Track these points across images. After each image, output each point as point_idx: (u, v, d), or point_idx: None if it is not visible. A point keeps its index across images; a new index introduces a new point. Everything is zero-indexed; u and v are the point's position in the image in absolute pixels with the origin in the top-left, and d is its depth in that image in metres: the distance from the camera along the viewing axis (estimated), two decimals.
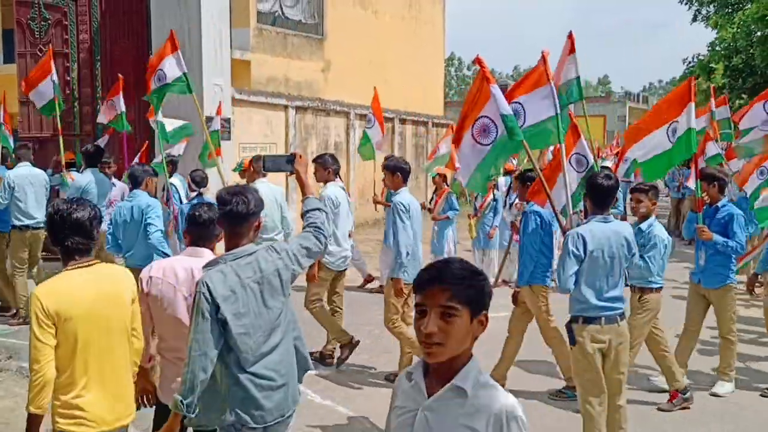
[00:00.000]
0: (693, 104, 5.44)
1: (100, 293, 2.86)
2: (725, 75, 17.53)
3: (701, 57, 19.99)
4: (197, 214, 3.33)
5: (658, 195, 5.51)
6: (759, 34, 17.72)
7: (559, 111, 4.96)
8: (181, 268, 3.29)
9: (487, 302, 1.88)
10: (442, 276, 1.83)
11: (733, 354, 5.74)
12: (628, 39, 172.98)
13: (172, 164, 8.38)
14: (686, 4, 20.40)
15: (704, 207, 5.64)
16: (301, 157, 3.33)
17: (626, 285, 4.62)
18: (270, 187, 6.64)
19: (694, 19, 20.52)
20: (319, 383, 5.91)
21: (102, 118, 8.95)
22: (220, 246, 3.20)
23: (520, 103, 4.95)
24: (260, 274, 2.92)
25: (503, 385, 5.68)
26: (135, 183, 5.98)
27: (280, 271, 2.97)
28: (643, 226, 5.18)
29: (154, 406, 3.62)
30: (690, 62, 20.59)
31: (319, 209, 3.23)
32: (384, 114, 16.89)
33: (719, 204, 5.65)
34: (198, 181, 7.47)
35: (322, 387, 5.83)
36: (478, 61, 5.02)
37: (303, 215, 3.25)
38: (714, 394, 5.62)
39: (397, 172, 5.71)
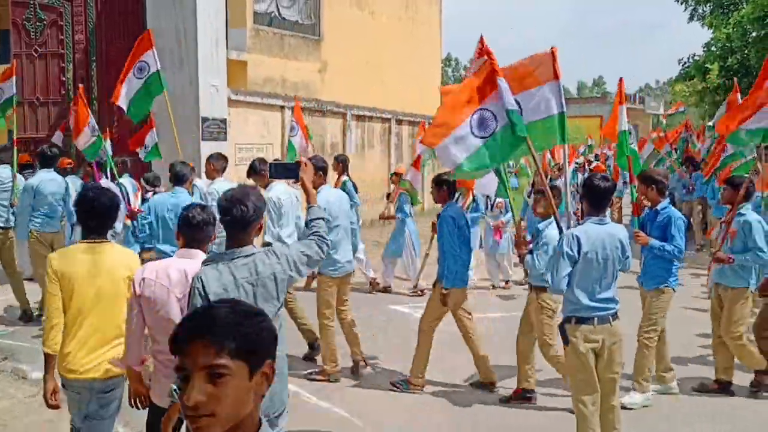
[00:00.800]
0: (624, 107, 5.71)
1: (98, 264, 3.40)
2: (720, 75, 17.55)
3: (697, 57, 20.03)
4: (191, 215, 3.33)
5: (560, 195, 5.48)
6: (754, 34, 17.76)
7: (564, 109, 4.80)
8: (174, 270, 3.29)
9: (273, 347, 1.52)
10: (202, 327, 1.44)
11: (649, 362, 5.43)
12: (624, 40, 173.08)
13: (123, 164, 8.64)
14: (682, 3, 20.43)
15: (646, 210, 5.64)
16: (306, 164, 3.34)
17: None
18: (230, 185, 6.89)
19: (691, 18, 20.56)
20: (315, 385, 5.91)
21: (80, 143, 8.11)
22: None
23: (517, 100, 4.82)
24: (256, 276, 2.95)
25: (493, 384, 5.69)
26: (179, 180, 6.30)
27: (276, 275, 3.00)
28: (541, 225, 5.36)
29: (147, 408, 3.63)
30: (685, 62, 20.64)
31: (322, 218, 3.27)
32: (381, 114, 17.03)
33: (659, 207, 5.49)
34: (151, 181, 7.63)
35: (319, 388, 5.83)
36: (486, 51, 4.95)
37: (307, 224, 3.29)
38: (624, 407, 5.00)
39: (319, 171, 5.71)
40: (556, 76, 4.74)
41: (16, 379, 5.97)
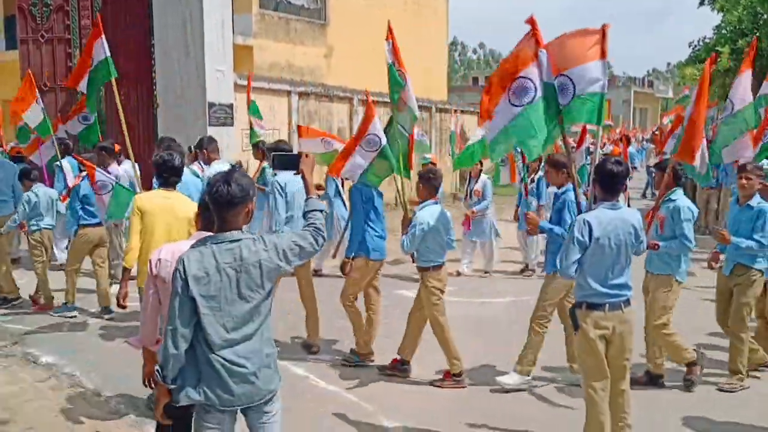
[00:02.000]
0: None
1: (167, 205, 4.53)
2: (731, 58, 17.35)
3: (707, 40, 19.80)
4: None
5: (430, 182, 5.54)
6: (765, 16, 17.55)
7: (605, 90, 4.67)
8: None
9: None
10: None
11: (537, 347, 5.41)
12: (633, 25, 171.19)
13: (65, 146, 8.99)
14: None
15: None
16: (307, 156, 3.30)
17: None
18: (194, 170, 7.27)
19: (701, 3, 20.32)
20: (324, 369, 5.93)
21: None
22: None
23: (569, 77, 4.64)
24: (240, 262, 2.88)
25: (366, 356, 5.66)
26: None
27: (262, 263, 2.92)
28: (417, 207, 5.58)
29: None
30: (696, 45, 20.41)
31: (321, 210, 3.19)
32: (387, 99, 16.90)
33: (560, 190, 5.52)
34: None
35: (328, 372, 5.85)
36: (531, 21, 4.79)
37: (305, 215, 3.21)
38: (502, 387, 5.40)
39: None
40: (603, 55, 4.62)
41: (26, 363, 6.01)
